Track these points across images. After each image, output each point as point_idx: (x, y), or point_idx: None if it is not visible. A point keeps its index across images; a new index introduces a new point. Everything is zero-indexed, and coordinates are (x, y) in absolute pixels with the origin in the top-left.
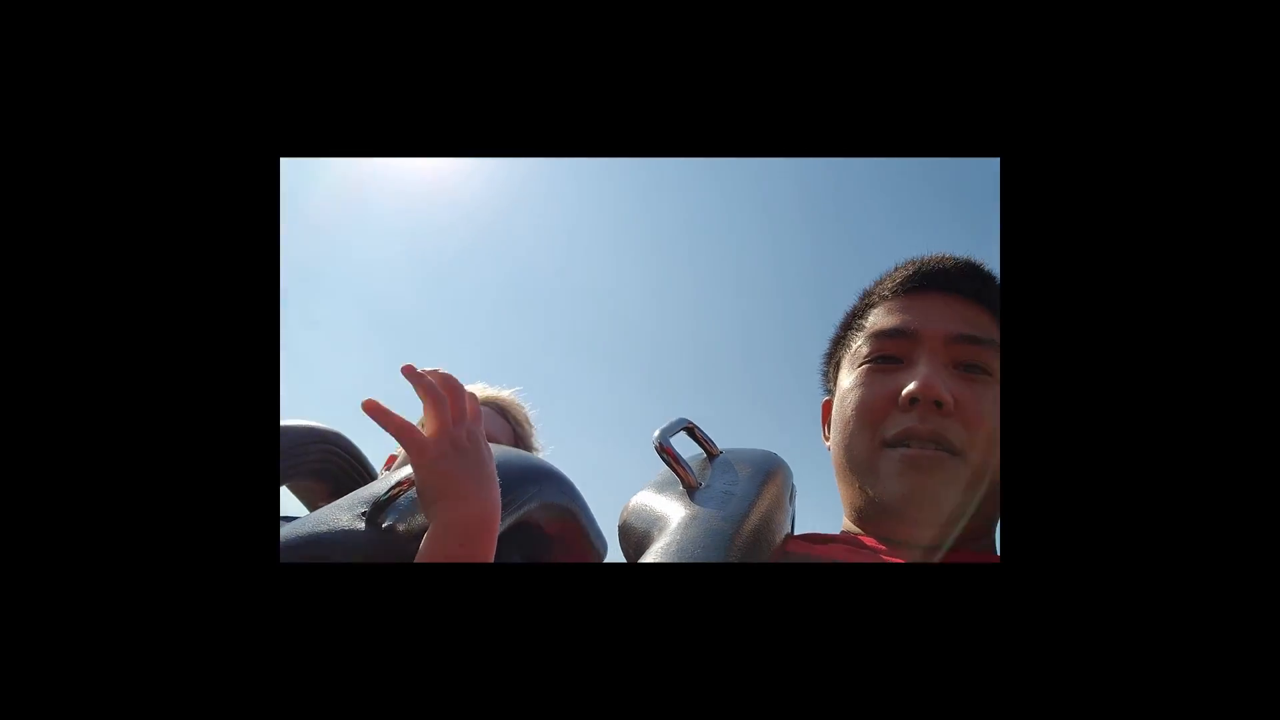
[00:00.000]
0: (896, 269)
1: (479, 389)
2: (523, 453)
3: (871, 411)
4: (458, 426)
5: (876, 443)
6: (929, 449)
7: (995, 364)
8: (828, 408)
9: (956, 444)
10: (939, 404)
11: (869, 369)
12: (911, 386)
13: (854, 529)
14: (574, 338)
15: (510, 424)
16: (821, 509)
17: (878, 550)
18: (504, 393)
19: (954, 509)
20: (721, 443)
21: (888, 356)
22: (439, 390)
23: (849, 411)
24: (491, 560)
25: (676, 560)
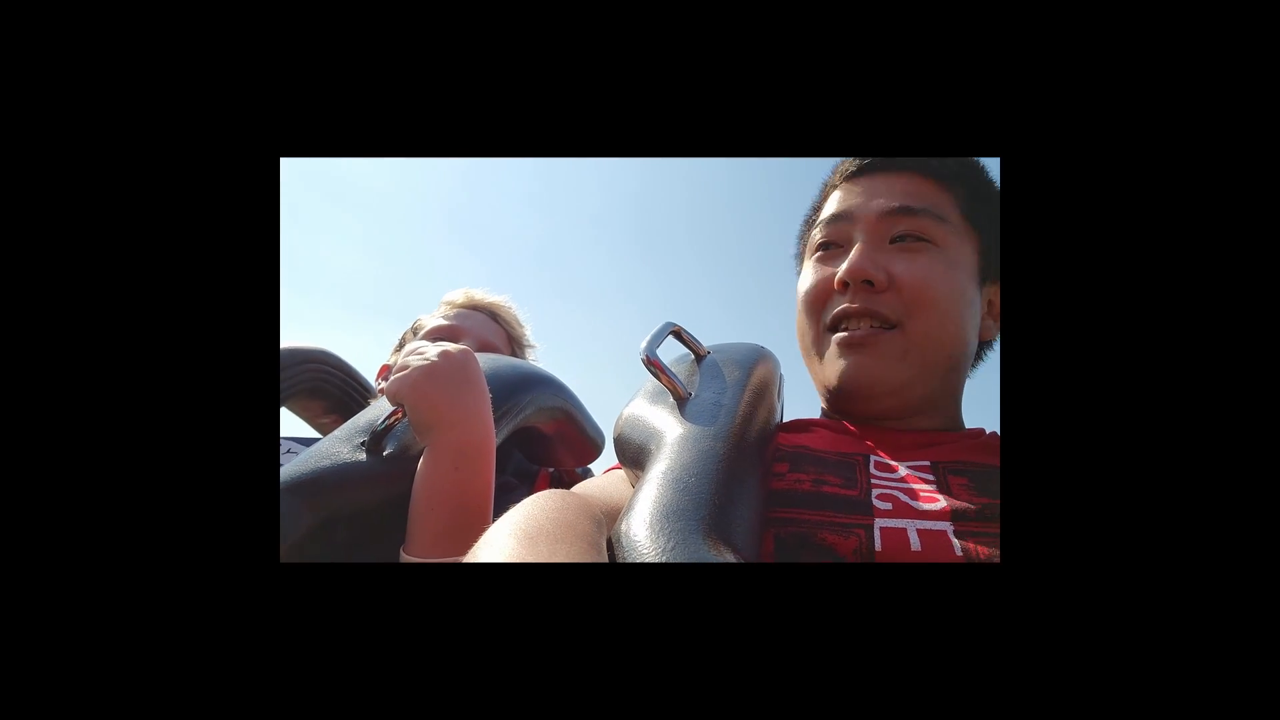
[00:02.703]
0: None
1: (463, 294)
2: (513, 361)
3: (814, 300)
4: (427, 354)
5: (821, 329)
6: (863, 327)
7: (937, 230)
8: None
9: (892, 317)
10: (870, 283)
11: (814, 259)
12: (841, 270)
13: (828, 411)
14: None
15: (504, 329)
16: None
17: (857, 434)
18: (495, 298)
19: (899, 379)
20: (715, 335)
21: (830, 243)
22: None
23: (799, 303)
24: (490, 479)
25: (675, 487)
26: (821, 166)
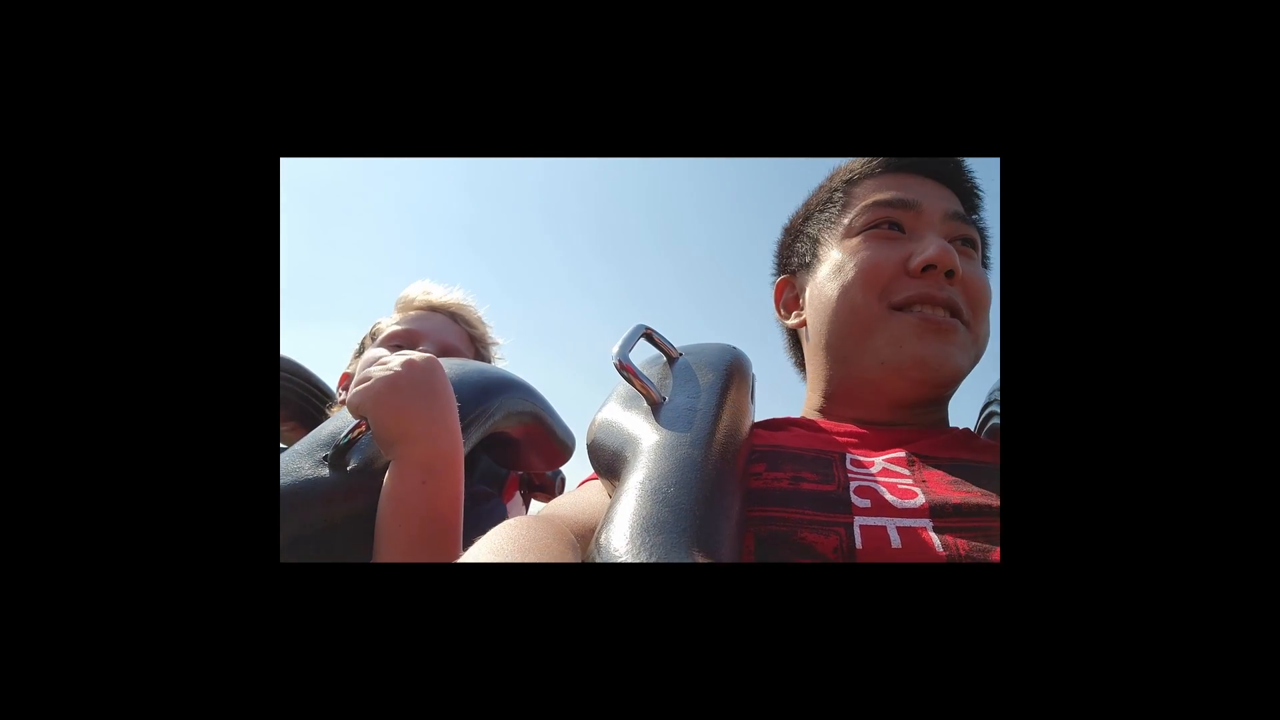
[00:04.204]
0: None
1: (421, 293)
2: (479, 366)
3: (879, 276)
4: (389, 364)
5: (883, 306)
6: (941, 315)
7: (976, 245)
8: (785, 285)
9: (964, 314)
10: (950, 273)
11: (870, 236)
12: (931, 253)
13: (825, 405)
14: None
15: (465, 329)
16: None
17: (832, 432)
18: (453, 297)
19: (961, 374)
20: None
21: (893, 223)
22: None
23: (850, 276)
24: (460, 491)
25: (655, 498)
26: (805, 165)
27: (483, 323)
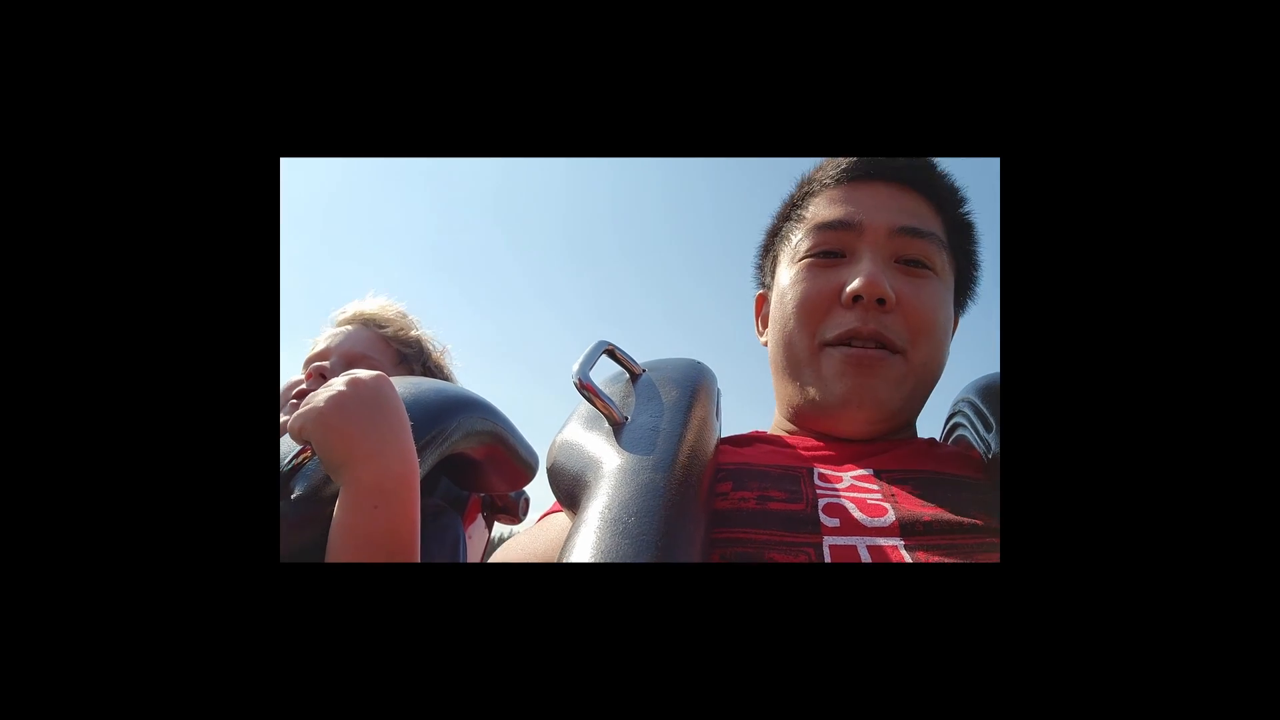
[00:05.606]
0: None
1: (339, 311)
2: (436, 384)
3: (813, 310)
4: (326, 381)
5: (817, 343)
6: (870, 348)
7: (937, 258)
8: (762, 301)
9: (897, 342)
10: (881, 301)
11: (809, 264)
12: (856, 284)
13: (789, 426)
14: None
15: (375, 331)
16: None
17: (798, 447)
18: (364, 305)
19: (894, 404)
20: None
21: (829, 251)
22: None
23: (789, 309)
24: (416, 515)
25: (614, 529)
26: (786, 165)
27: (405, 320)
